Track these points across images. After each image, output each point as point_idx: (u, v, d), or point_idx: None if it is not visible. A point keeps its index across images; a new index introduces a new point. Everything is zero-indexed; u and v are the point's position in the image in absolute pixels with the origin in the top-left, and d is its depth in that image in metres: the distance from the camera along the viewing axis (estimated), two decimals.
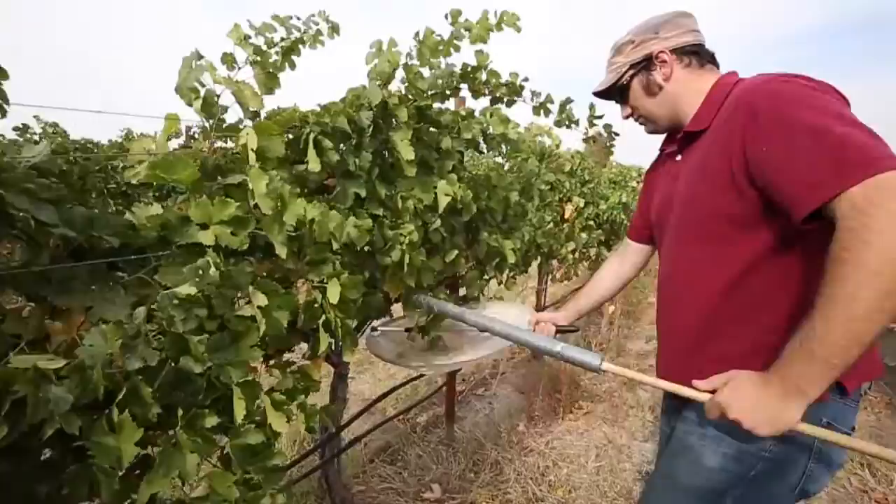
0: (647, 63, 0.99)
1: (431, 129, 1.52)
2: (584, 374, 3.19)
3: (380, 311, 1.48)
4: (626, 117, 1.10)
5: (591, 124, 1.61)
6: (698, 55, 0.98)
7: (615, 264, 1.35)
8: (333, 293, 1.00)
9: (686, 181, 0.94)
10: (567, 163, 2.69)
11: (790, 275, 0.81)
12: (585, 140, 1.60)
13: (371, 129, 1.25)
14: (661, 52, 0.97)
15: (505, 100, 1.53)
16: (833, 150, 0.66)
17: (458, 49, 1.30)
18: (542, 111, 1.57)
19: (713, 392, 0.80)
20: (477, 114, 1.91)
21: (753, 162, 0.77)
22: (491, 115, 1.89)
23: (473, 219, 1.82)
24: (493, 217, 1.88)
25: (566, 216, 2.76)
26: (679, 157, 1.01)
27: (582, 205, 2.85)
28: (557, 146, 2.57)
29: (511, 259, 1.78)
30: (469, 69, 1.40)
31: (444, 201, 1.39)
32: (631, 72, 1.02)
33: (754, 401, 0.72)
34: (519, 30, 1.28)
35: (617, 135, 1.62)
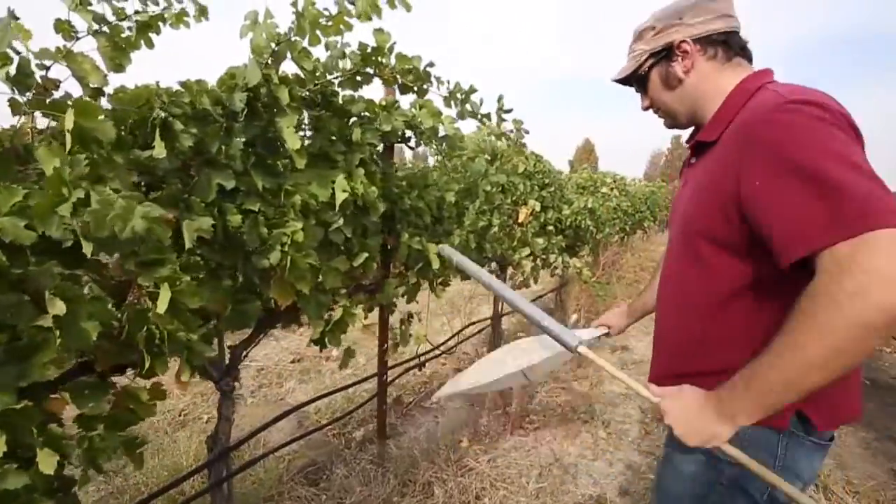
0: (667, 53, 0.90)
1: (339, 118, 1.38)
2: (540, 386, 3.05)
3: (263, 323, 1.32)
4: (646, 109, 1.00)
5: (501, 119, 1.47)
6: (726, 45, 0.87)
7: None
8: (163, 300, 0.84)
9: (689, 194, 0.89)
10: (521, 164, 2.55)
11: (774, 310, 0.74)
12: (497, 137, 1.46)
13: (245, 112, 1.10)
14: (683, 41, 0.87)
15: (416, 88, 1.38)
16: (827, 198, 0.62)
17: (349, 27, 1.15)
18: (451, 102, 1.43)
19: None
20: (407, 106, 1.77)
21: (745, 195, 0.72)
22: (420, 108, 1.76)
23: (399, 218, 1.68)
24: (420, 218, 1.74)
25: (520, 220, 2.62)
26: (693, 161, 0.94)
27: (538, 208, 2.72)
28: (509, 147, 2.44)
29: (435, 264, 1.63)
30: (369, 50, 1.25)
31: (340, 198, 1.24)
32: (651, 61, 0.93)
33: (689, 413, 0.76)
34: (409, 8, 1.14)
35: (527, 132, 1.49)
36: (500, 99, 1.43)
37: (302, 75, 1.23)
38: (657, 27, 0.90)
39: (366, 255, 1.43)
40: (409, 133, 1.61)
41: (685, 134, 1.01)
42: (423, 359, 2.30)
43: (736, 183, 0.73)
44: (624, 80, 1.00)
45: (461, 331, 2.57)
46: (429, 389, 3.00)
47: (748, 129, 0.73)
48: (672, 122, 0.98)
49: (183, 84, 1.04)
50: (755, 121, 0.73)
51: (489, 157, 2.46)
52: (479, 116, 1.45)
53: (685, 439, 0.75)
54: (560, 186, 3.62)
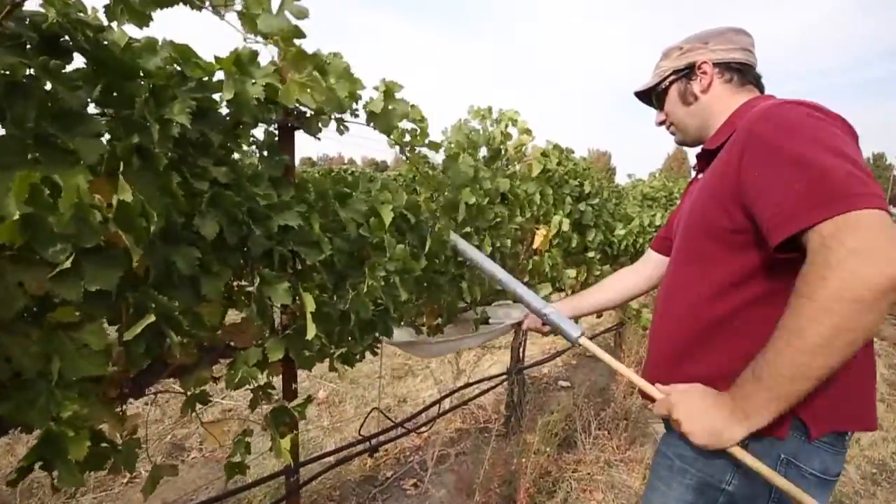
0: (689, 71, 0.98)
1: (102, 75, 0.77)
2: (573, 480, 2.20)
3: None
4: (660, 124, 1.09)
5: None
6: (741, 73, 0.95)
7: (628, 272, 1.30)
8: None
9: (694, 199, 0.92)
10: (537, 163, 1.78)
11: (768, 303, 0.75)
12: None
13: None
14: (704, 62, 0.96)
15: None
16: (813, 182, 0.65)
17: None
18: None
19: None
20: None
21: (744, 184, 0.75)
22: (318, 70, 1.10)
23: (255, 253, 1.02)
24: (317, 247, 1.07)
25: (535, 244, 1.85)
26: (700, 176, 1.01)
27: (566, 227, 1.91)
28: (523, 142, 1.68)
29: (311, 332, 0.95)
30: None
31: (10, 210, 0.61)
32: (672, 77, 1.01)
33: (700, 410, 0.76)
34: None
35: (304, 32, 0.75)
36: None
37: None
38: (684, 48, 0.99)
39: (150, 318, 0.80)
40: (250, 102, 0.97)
41: None
42: (375, 441, 1.62)
43: (736, 176, 0.76)
44: (644, 95, 1.09)
45: (443, 398, 1.84)
46: (420, 458, 2.30)
47: (750, 124, 0.77)
48: (681, 136, 1.05)
49: None
50: (753, 120, 0.77)
51: (488, 154, 1.73)
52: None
53: (693, 438, 0.75)
54: (617, 196, 2.74)
